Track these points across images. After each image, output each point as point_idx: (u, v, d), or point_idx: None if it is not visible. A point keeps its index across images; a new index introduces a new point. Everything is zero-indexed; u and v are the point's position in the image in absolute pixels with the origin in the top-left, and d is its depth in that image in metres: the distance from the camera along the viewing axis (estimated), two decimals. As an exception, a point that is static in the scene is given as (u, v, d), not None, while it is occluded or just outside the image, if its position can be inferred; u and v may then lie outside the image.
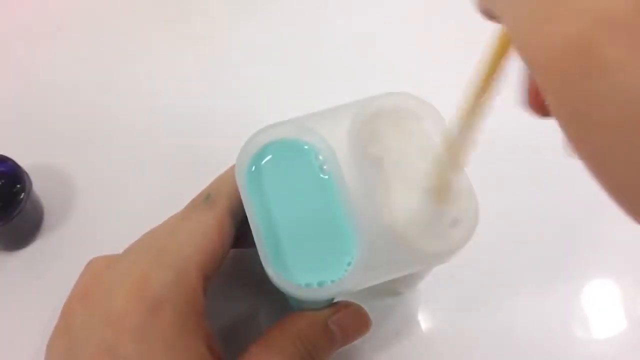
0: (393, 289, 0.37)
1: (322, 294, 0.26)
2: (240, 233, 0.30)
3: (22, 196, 0.35)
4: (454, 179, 0.26)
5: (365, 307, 0.31)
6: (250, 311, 0.36)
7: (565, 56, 0.12)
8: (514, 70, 0.21)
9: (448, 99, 0.25)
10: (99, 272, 0.29)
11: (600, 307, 0.38)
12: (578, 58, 0.12)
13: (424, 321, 0.37)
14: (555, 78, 0.13)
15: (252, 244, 0.27)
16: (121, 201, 0.40)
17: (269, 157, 0.29)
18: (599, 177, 0.13)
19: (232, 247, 0.30)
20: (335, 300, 0.30)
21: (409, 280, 0.35)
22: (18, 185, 0.35)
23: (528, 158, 0.42)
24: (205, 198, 0.29)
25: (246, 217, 0.27)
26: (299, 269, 0.26)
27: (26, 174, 0.36)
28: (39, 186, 0.38)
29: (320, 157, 0.29)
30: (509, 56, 0.19)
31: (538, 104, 0.19)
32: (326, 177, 0.28)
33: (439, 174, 0.26)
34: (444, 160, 0.25)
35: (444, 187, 0.26)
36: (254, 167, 0.28)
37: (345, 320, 0.29)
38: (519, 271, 0.38)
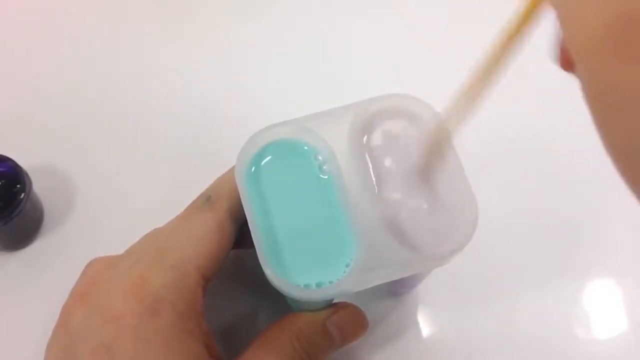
0: (392, 290, 0.37)
1: (321, 295, 0.26)
2: (240, 234, 0.30)
3: (22, 196, 0.35)
4: (442, 157, 0.26)
5: (364, 308, 0.31)
6: (250, 311, 0.36)
7: (599, 42, 0.13)
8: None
9: (448, 101, 0.25)
10: (98, 272, 0.29)
11: (601, 308, 0.38)
12: (611, 45, 0.12)
13: (423, 322, 0.37)
14: (589, 62, 0.13)
15: (252, 244, 0.27)
16: (121, 201, 0.40)
17: (269, 157, 0.29)
18: (618, 162, 0.14)
19: (233, 248, 0.30)
20: (334, 301, 0.30)
21: (408, 282, 0.35)
22: (18, 185, 0.35)
23: (528, 158, 0.42)
24: (206, 200, 0.29)
25: (246, 218, 0.27)
26: (297, 269, 0.26)
27: (26, 174, 0.36)
28: (39, 186, 0.38)
29: (320, 158, 0.29)
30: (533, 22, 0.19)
31: (567, 62, 0.20)
32: (325, 177, 0.28)
33: (429, 149, 0.26)
34: (435, 134, 0.25)
35: (431, 163, 0.26)
36: (253, 168, 0.28)
37: (343, 321, 0.29)
38: (518, 272, 0.38)
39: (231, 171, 0.30)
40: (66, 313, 0.28)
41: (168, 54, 0.45)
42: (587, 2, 0.13)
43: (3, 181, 0.35)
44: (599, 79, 0.13)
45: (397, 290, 0.37)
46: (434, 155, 0.27)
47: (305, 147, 0.29)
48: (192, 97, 0.44)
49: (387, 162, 0.29)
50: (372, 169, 0.29)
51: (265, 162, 0.29)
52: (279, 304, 0.34)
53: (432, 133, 0.26)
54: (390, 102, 0.30)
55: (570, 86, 0.18)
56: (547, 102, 0.42)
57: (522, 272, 0.38)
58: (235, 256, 0.31)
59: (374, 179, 0.28)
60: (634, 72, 0.12)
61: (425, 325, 0.37)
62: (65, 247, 0.38)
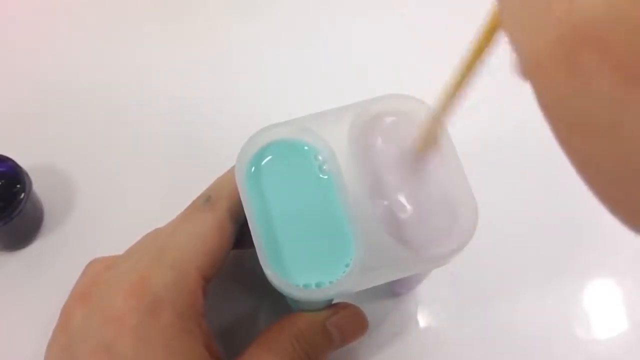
0: (392, 290, 0.37)
1: (320, 295, 0.26)
2: (240, 234, 0.30)
3: (22, 196, 0.35)
4: (438, 134, 0.27)
5: (364, 308, 0.31)
6: (250, 311, 0.36)
7: (548, 61, 0.13)
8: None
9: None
10: (98, 272, 0.29)
11: (601, 308, 0.38)
12: (559, 63, 0.13)
13: (423, 322, 0.37)
14: (540, 80, 0.14)
15: (252, 244, 0.27)
16: (121, 201, 0.40)
17: (269, 157, 0.29)
18: (581, 174, 0.14)
19: (233, 248, 0.30)
20: (334, 302, 0.30)
21: (408, 282, 0.35)
22: (18, 185, 0.35)
23: (528, 158, 0.42)
24: (206, 200, 0.29)
25: (246, 218, 0.27)
26: (297, 269, 0.26)
27: (26, 174, 0.36)
28: (39, 186, 0.38)
29: (320, 158, 0.29)
30: (495, 38, 0.20)
31: None
32: (325, 177, 0.28)
33: (426, 127, 0.27)
34: (432, 117, 0.26)
35: (429, 139, 0.27)
36: (253, 168, 0.28)
37: (343, 321, 0.29)
38: (518, 272, 0.38)
39: (231, 171, 0.30)
40: (66, 313, 0.28)
41: (168, 54, 0.45)
42: (534, 19, 0.13)
43: (3, 181, 0.35)
44: (550, 97, 0.14)
45: (397, 290, 0.37)
46: (426, 143, 0.27)
47: (306, 147, 0.29)
48: (192, 97, 0.44)
49: (388, 162, 0.29)
50: (372, 169, 0.29)
51: (265, 162, 0.29)
52: (279, 304, 0.34)
53: (424, 122, 0.27)
54: (391, 103, 0.30)
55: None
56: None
57: (522, 272, 0.38)
58: (235, 256, 0.31)
59: (374, 179, 0.28)
60: (584, 89, 0.12)
61: (425, 325, 0.37)
62: (65, 247, 0.38)
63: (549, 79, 0.13)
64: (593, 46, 0.12)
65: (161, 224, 0.30)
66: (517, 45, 0.14)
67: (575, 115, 0.13)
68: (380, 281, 0.28)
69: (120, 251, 0.30)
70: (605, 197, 0.14)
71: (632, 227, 0.14)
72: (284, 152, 0.29)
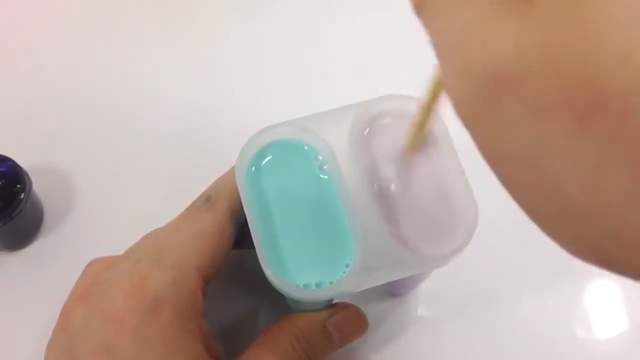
0: (392, 291, 0.37)
1: (320, 295, 0.26)
2: (240, 234, 0.30)
3: (22, 196, 0.35)
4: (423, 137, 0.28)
5: (364, 309, 0.31)
6: (250, 311, 0.36)
7: (473, 106, 0.14)
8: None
9: (448, 101, 0.25)
10: (98, 272, 0.29)
11: (601, 308, 0.38)
12: (482, 108, 0.14)
13: (423, 322, 0.37)
14: (469, 123, 0.15)
15: (252, 244, 0.27)
16: (121, 201, 0.40)
17: (269, 157, 0.29)
18: (520, 207, 0.15)
19: (233, 248, 0.30)
20: (334, 302, 0.30)
21: (409, 282, 0.35)
22: (18, 185, 0.35)
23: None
24: (206, 200, 0.29)
25: (246, 218, 0.27)
26: (297, 269, 0.26)
27: (26, 174, 0.36)
28: (39, 186, 0.38)
29: (320, 158, 0.29)
30: None
31: None
32: (326, 177, 0.28)
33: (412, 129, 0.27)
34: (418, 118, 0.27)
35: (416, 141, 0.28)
36: (253, 168, 0.28)
37: (343, 322, 0.29)
38: (519, 272, 0.38)
39: (231, 171, 0.30)
40: (66, 313, 0.28)
41: (168, 54, 0.45)
42: (457, 69, 0.14)
43: (3, 181, 0.35)
44: (480, 137, 0.15)
45: (397, 290, 0.37)
46: (415, 135, 0.27)
47: (306, 147, 0.29)
48: (192, 97, 0.44)
49: (388, 162, 0.29)
50: (373, 169, 0.28)
51: (265, 162, 0.29)
52: (279, 304, 0.34)
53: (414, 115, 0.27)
54: (391, 103, 0.30)
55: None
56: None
57: (522, 272, 0.38)
58: (235, 256, 0.31)
59: (374, 179, 0.28)
60: (506, 129, 0.13)
61: (425, 326, 0.37)
62: (65, 247, 0.38)
63: (476, 122, 0.14)
64: (509, 90, 0.13)
65: (161, 224, 0.30)
66: (447, 92, 0.15)
67: (503, 152, 0.14)
68: (381, 281, 0.28)
69: (120, 251, 0.30)
70: (547, 229, 0.15)
71: (578, 257, 0.15)
72: (284, 152, 0.29)
